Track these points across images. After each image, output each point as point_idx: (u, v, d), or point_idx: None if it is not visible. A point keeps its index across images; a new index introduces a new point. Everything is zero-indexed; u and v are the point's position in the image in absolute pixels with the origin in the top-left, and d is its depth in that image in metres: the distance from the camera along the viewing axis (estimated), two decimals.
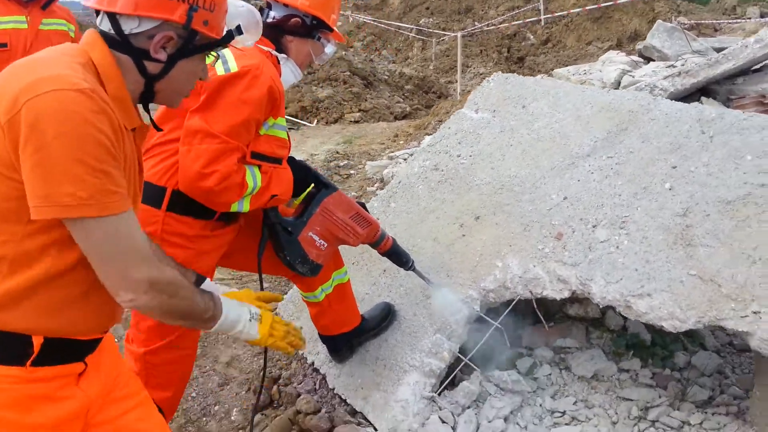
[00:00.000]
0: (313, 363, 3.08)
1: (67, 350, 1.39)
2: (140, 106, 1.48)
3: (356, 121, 10.87)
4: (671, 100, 3.25)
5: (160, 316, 1.45)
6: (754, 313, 2.17)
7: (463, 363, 2.77)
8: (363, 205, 2.63)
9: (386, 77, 14.14)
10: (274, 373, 3.20)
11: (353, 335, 2.83)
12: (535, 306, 2.79)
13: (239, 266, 2.58)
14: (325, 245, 2.43)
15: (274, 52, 2.15)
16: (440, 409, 2.66)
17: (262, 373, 2.37)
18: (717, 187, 2.55)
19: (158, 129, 1.73)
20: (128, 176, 1.37)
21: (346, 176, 6.70)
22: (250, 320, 1.68)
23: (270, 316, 1.75)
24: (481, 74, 15.57)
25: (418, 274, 2.78)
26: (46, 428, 1.36)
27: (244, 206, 2.10)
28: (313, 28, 2.19)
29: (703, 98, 5.03)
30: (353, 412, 2.80)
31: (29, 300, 1.30)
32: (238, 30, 1.52)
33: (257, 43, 2.07)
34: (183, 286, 1.46)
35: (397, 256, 2.70)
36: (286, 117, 9.97)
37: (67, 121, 1.19)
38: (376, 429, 2.66)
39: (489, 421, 2.66)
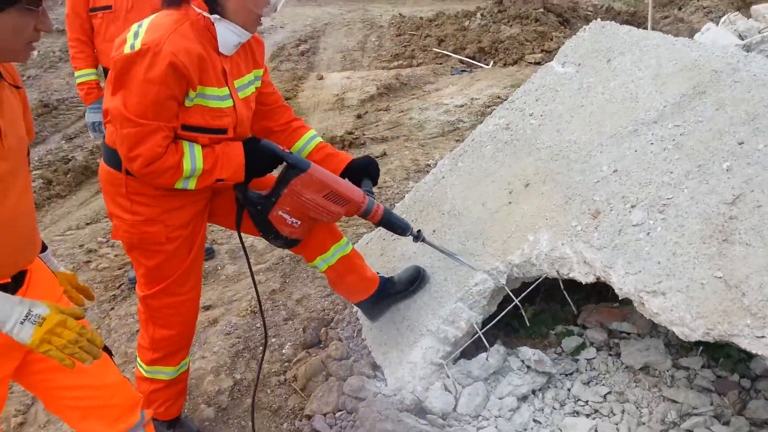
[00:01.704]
0: (357, 312, 3.16)
1: None
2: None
3: (537, 63, 10.30)
4: None
5: None
6: None
7: (475, 335, 2.66)
8: (366, 169, 2.56)
9: (589, 13, 13.11)
10: (330, 316, 3.36)
11: (377, 299, 2.84)
12: (562, 286, 2.56)
13: (224, 226, 2.63)
14: (299, 223, 2.38)
15: (206, 14, 2.07)
16: (447, 377, 2.61)
17: (263, 343, 2.47)
18: None
19: (17, 87, 1.70)
20: None
21: None
22: (23, 322, 1.51)
23: (56, 319, 1.53)
24: (704, 8, 13.70)
25: (429, 245, 2.68)
26: None
27: (189, 185, 2.16)
28: None
29: None
30: (375, 365, 2.86)
31: None
32: None
33: (193, 5, 2.07)
34: None
35: (391, 226, 2.58)
36: (462, 58, 9.87)
37: None
38: (386, 385, 2.70)
39: (500, 398, 2.56)
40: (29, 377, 1.85)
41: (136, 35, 2.02)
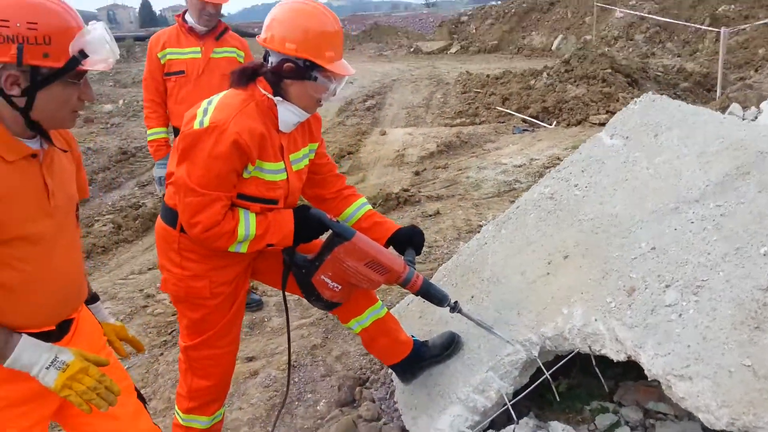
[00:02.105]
0: (391, 374, 3.19)
1: None
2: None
3: (601, 124, 10.24)
4: None
5: None
6: None
7: (505, 407, 2.64)
8: (410, 238, 2.65)
9: (659, 74, 12.96)
10: (366, 376, 3.41)
11: (410, 363, 2.87)
12: (594, 363, 2.53)
13: (268, 284, 2.77)
14: (339, 287, 2.48)
15: (270, 96, 2.25)
16: None
17: (287, 384, 2.55)
18: None
19: (64, 150, 1.84)
20: (20, 203, 1.62)
21: None
22: (48, 367, 1.65)
23: (78, 366, 1.67)
24: None
25: (465, 315, 2.71)
26: (17, 400, 1.72)
27: (242, 249, 2.31)
28: (307, 69, 2.22)
29: None
30: (404, 429, 2.87)
31: None
32: (82, 54, 1.59)
33: (259, 86, 2.26)
34: None
35: (429, 297, 2.64)
36: (526, 117, 9.92)
37: None
38: None
39: None
40: (69, 419, 1.98)
41: (205, 112, 2.22)
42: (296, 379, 3.50)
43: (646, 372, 2.23)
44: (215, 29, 4.06)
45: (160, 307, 4.35)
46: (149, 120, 4.15)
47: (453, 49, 20.78)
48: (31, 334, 1.69)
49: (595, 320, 2.50)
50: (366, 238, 2.50)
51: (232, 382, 3.44)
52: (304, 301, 4.26)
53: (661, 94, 11.68)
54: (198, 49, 3.97)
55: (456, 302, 2.69)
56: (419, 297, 2.70)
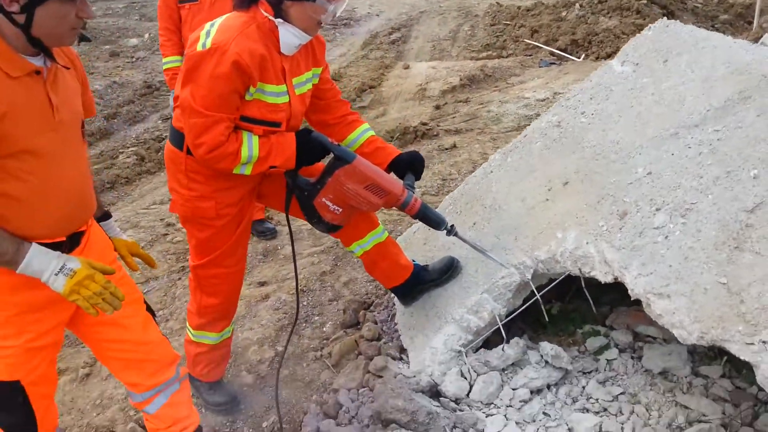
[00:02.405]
0: (393, 297, 3.30)
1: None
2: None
3: None
4: None
5: None
6: (763, 342, 1.78)
7: (495, 327, 2.73)
8: (411, 164, 2.70)
9: (699, 5, 12.42)
10: (371, 300, 3.53)
11: (410, 286, 2.97)
12: (582, 284, 2.58)
13: (272, 207, 2.86)
14: (340, 210, 2.55)
15: (271, 18, 2.28)
16: (465, 364, 2.71)
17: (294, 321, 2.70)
18: None
19: (66, 67, 1.91)
20: (25, 118, 1.70)
21: None
22: (57, 274, 1.76)
23: (85, 273, 1.78)
24: None
25: (460, 239, 2.77)
26: (22, 307, 1.84)
27: (246, 171, 2.38)
28: None
29: None
30: (402, 348, 3.00)
31: None
32: None
33: (261, 9, 2.28)
34: None
35: (427, 220, 2.70)
36: (554, 50, 9.68)
37: None
38: (409, 367, 2.83)
39: (513, 389, 2.63)
40: (83, 328, 2.12)
41: (207, 35, 2.27)
42: (305, 303, 3.64)
43: (629, 292, 2.28)
44: None
45: (180, 236, 4.50)
46: (164, 48, 4.20)
47: None
48: (43, 245, 1.80)
49: (587, 243, 2.54)
50: (366, 161, 2.56)
51: (244, 305, 3.62)
52: (316, 230, 4.39)
53: (698, 27, 11.17)
54: None
55: (452, 225, 2.75)
56: (420, 222, 2.77)
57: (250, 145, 2.34)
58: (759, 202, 2.08)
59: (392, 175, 2.75)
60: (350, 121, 2.80)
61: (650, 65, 3.11)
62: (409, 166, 2.79)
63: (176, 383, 2.29)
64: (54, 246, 1.85)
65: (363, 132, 2.80)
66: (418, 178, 2.82)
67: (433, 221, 2.73)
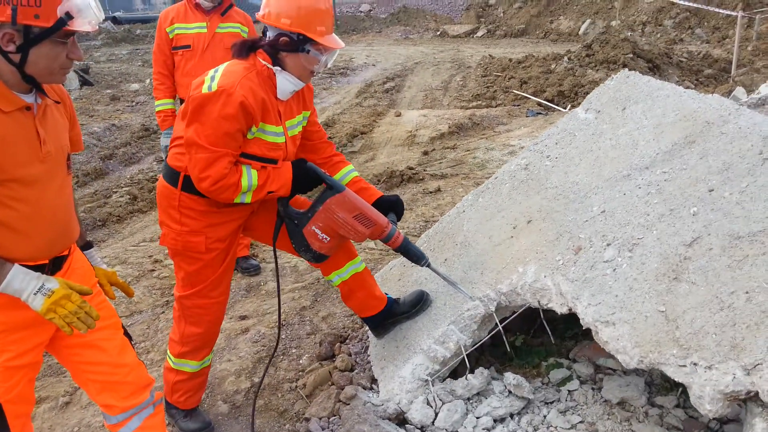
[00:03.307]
0: (367, 330, 3.42)
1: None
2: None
3: None
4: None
5: None
6: (693, 364, 1.91)
7: (460, 358, 2.85)
8: (392, 205, 2.89)
9: (683, 60, 12.82)
10: (347, 333, 3.64)
11: (383, 317, 3.10)
12: (542, 316, 2.71)
13: (259, 240, 3.02)
14: (328, 239, 2.72)
15: (270, 66, 2.50)
16: (431, 392, 2.81)
17: (272, 352, 2.85)
18: (737, 218, 2.18)
19: (56, 102, 2.07)
20: (15, 149, 1.85)
21: None
22: (36, 293, 1.88)
23: (62, 293, 1.90)
24: None
25: (434, 271, 2.92)
26: (15, 325, 1.97)
27: (246, 199, 2.56)
28: (300, 42, 2.47)
29: None
30: (373, 378, 3.10)
31: None
32: (68, 16, 1.79)
33: (259, 57, 2.49)
34: None
35: (407, 253, 2.87)
36: (541, 101, 9.98)
37: None
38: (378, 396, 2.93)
39: (477, 417, 2.73)
40: (62, 350, 2.23)
41: (212, 79, 2.47)
42: (283, 336, 3.74)
43: (581, 321, 2.41)
44: (221, 5, 4.30)
45: (166, 272, 4.63)
46: (157, 91, 4.41)
47: (479, 33, 20.73)
48: (26, 267, 1.93)
49: (545, 276, 2.68)
50: (355, 193, 2.76)
51: (224, 338, 3.73)
52: (299, 266, 4.54)
53: (683, 81, 11.47)
54: (204, 24, 4.21)
55: (427, 259, 2.92)
56: (402, 258, 2.92)
57: (250, 176, 2.52)
58: (696, 237, 2.24)
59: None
60: (336, 161, 3.01)
61: (610, 112, 3.31)
62: (391, 208, 2.99)
63: (150, 407, 2.37)
64: (36, 268, 1.99)
65: (348, 172, 3.00)
66: (398, 219, 3.00)
67: (414, 255, 2.91)
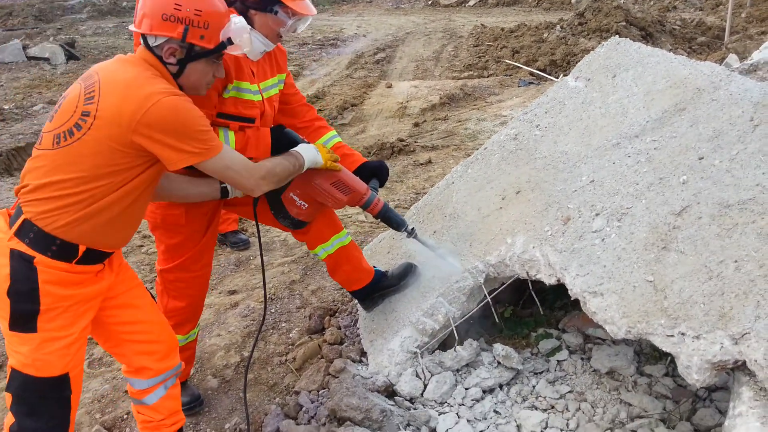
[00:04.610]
0: (356, 303, 3.40)
1: (96, 257, 2.06)
2: None
3: None
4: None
5: (276, 185, 2.28)
6: (681, 334, 1.90)
7: (450, 329, 2.84)
8: (376, 170, 2.84)
9: (676, 27, 12.69)
10: (336, 307, 3.63)
11: (370, 290, 3.08)
12: (530, 287, 2.70)
13: (241, 215, 2.98)
14: (306, 206, 2.68)
15: None
16: (419, 365, 2.80)
17: (260, 326, 2.87)
18: (727, 186, 2.16)
19: None
20: None
21: None
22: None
23: (322, 147, 2.57)
24: None
25: (419, 241, 2.89)
26: (78, 299, 2.03)
27: None
28: (269, 2, 2.42)
29: None
30: (363, 351, 3.09)
31: (88, 223, 1.97)
32: (229, 41, 2.07)
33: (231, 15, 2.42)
34: (276, 164, 2.27)
35: (388, 220, 2.82)
36: (533, 70, 9.88)
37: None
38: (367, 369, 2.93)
39: (466, 388, 2.73)
40: (99, 314, 2.23)
41: None
42: (273, 310, 3.73)
43: (569, 291, 2.40)
44: None
45: (154, 248, 4.59)
46: None
47: (471, 2, 20.44)
48: (105, 253, 2.10)
49: (533, 247, 2.66)
50: None
51: (213, 313, 3.72)
52: (288, 240, 4.50)
53: (676, 48, 11.34)
54: None
55: (413, 228, 2.88)
56: (391, 231, 2.88)
57: (227, 139, 2.48)
58: (686, 206, 2.21)
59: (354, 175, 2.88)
60: (318, 126, 2.95)
61: (600, 80, 3.25)
62: (375, 173, 2.93)
63: (174, 377, 2.43)
64: (105, 255, 2.12)
65: (330, 138, 2.94)
66: (381, 185, 2.95)
67: (395, 222, 2.86)
